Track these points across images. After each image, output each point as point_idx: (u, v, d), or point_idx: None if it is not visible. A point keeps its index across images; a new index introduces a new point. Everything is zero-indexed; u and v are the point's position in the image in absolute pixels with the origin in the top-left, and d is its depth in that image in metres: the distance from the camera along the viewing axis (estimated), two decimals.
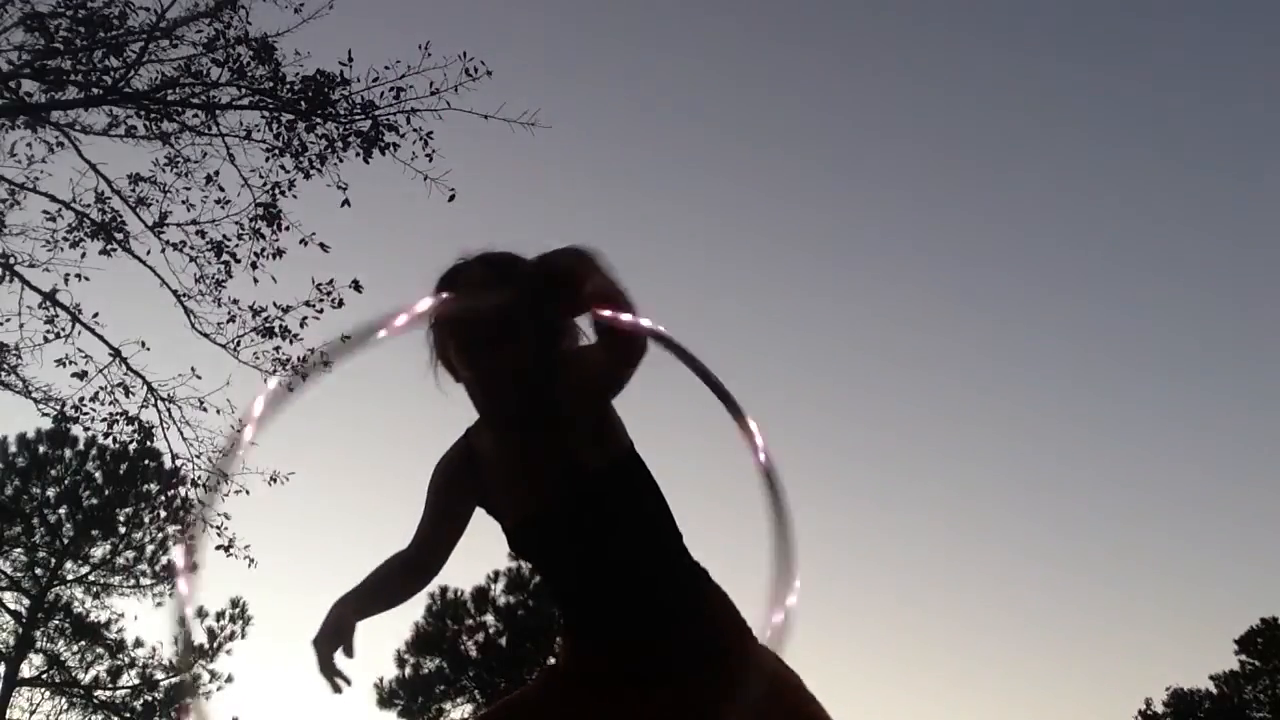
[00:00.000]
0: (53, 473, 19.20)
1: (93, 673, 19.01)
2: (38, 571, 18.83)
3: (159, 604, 19.41)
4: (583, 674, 1.70)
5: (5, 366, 9.35)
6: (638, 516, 1.69)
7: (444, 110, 8.54)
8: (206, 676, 19.22)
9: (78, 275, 8.90)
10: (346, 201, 8.73)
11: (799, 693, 1.61)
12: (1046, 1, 44.25)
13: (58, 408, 9.47)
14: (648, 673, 1.64)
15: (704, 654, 1.63)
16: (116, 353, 9.23)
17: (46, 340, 9.00)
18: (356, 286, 9.02)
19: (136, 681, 19.01)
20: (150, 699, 18.97)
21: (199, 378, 9.31)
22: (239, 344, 9.24)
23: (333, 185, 8.82)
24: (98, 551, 19.37)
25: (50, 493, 19.09)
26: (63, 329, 9.01)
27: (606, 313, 1.50)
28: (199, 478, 9.58)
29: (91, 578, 19.24)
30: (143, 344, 9.25)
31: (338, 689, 1.68)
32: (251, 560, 9.79)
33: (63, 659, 18.72)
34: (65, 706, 18.80)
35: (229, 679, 19.37)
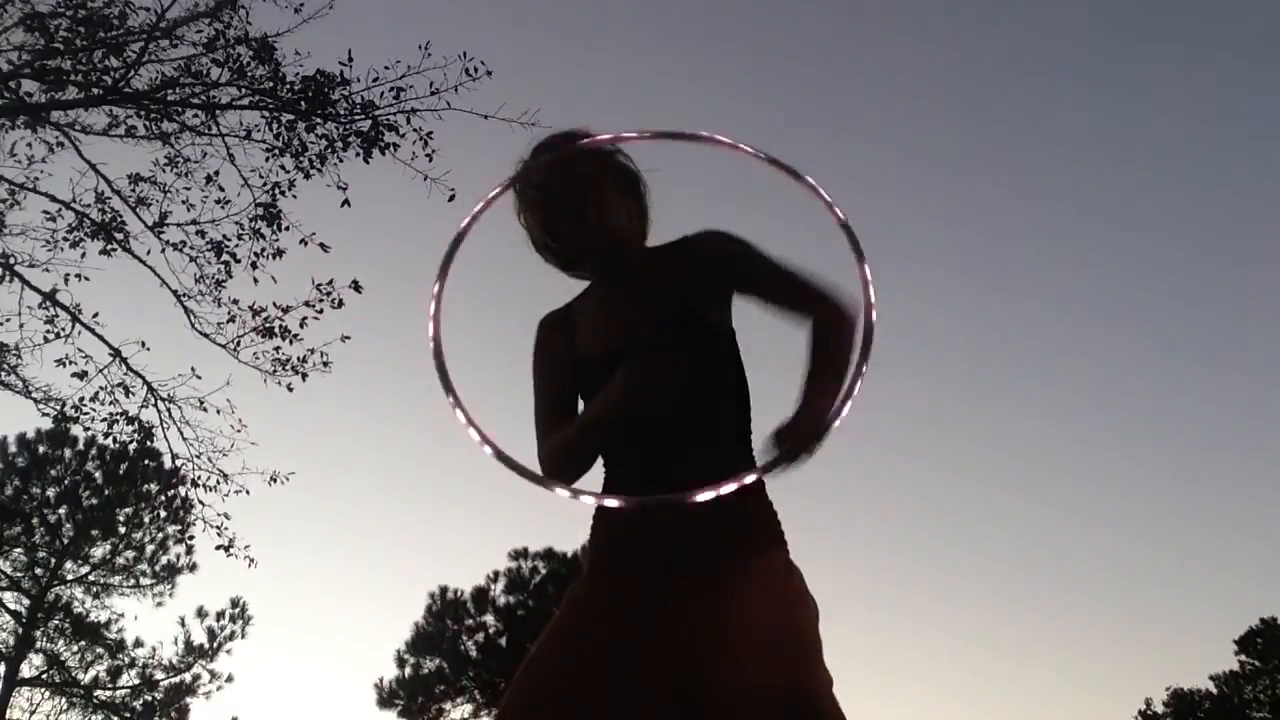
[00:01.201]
0: (53, 473, 19.18)
1: (93, 673, 18.99)
2: (38, 571, 18.80)
3: (159, 604, 19.43)
4: (607, 563, 1.69)
5: (5, 366, 9.36)
6: (727, 382, 1.75)
7: (444, 110, 8.53)
8: (206, 676, 19.25)
9: (78, 275, 8.90)
10: (346, 201, 8.72)
11: (807, 617, 1.60)
12: None
13: (58, 408, 9.47)
14: (677, 549, 1.62)
15: (738, 548, 1.63)
16: (116, 353, 9.23)
17: (46, 340, 9.01)
18: (356, 287, 9.02)
19: (136, 681, 18.98)
20: (150, 699, 18.95)
21: (199, 378, 9.32)
22: (239, 344, 9.25)
23: (333, 185, 8.82)
24: (98, 551, 19.35)
25: (50, 493, 19.06)
26: (63, 329, 9.01)
27: None
28: (199, 478, 9.59)
29: (91, 578, 19.21)
30: (143, 344, 9.26)
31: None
32: (251, 560, 9.80)
33: (63, 659, 18.70)
34: (65, 706, 18.77)
35: (229, 679, 19.38)
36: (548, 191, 1.84)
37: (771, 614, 1.55)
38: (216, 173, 9.08)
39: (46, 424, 15.53)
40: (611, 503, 1.63)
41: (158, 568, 19.44)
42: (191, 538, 18.48)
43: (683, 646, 1.55)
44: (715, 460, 1.67)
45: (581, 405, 1.80)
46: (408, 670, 21.38)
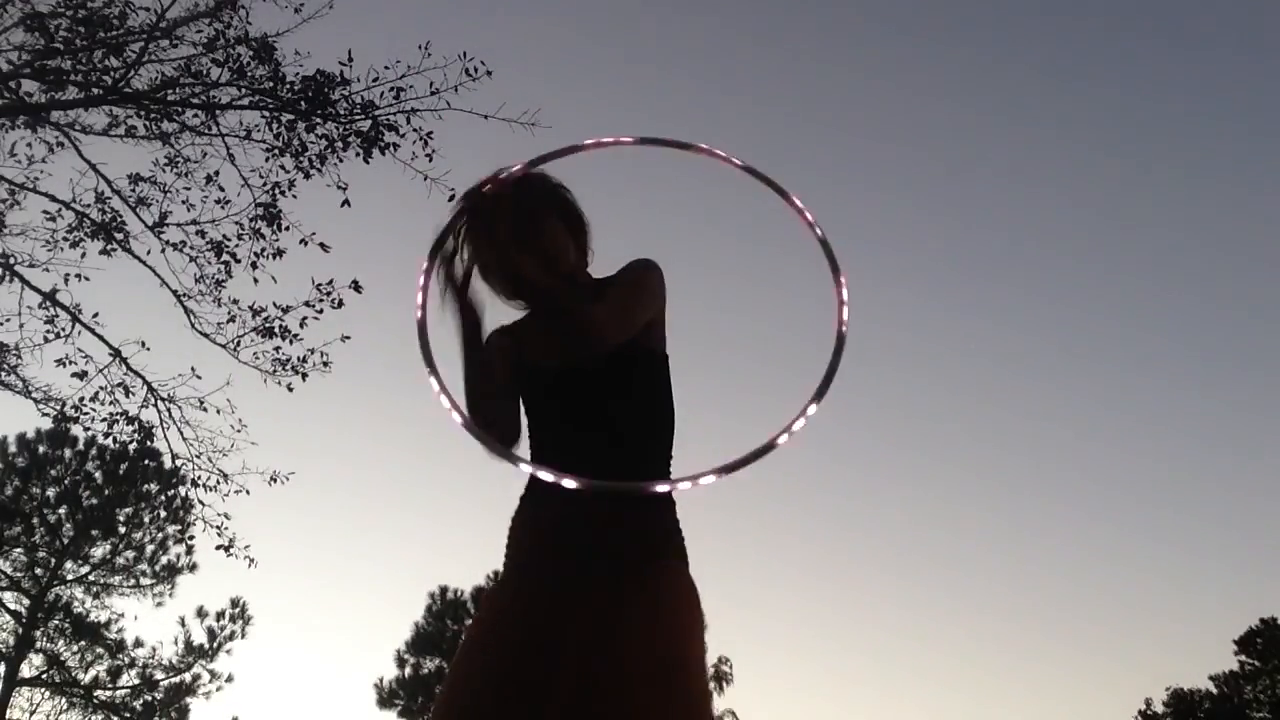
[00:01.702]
0: (53, 473, 19.17)
1: (93, 673, 18.98)
2: (38, 571, 18.80)
3: (159, 604, 19.43)
4: (524, 568, 1.84)
5: (5, 366, 9.36)
6: (636, 403, 1.90)
7: (444, 110, 8.52)
8: (206, 676, 19.24)
9: (78, 275, 8.90)
10: (346, 201, 8.71)
11: (683, 631, 1.74)
12: None
13: (58, 408, 9.47)
14: (589, 556, 1.77)
15: (644, 560, 1.78)
16: (116, 353, 9.23)
17: (46, 340, 9.01)
18: (356, 287, 9.01)
19: (136, 681, 18.98)
20: (150, 699, 18.95)
21: (199, 378, 9.32)
22: (239, 344, 9.24)
23: (333, 185, 8.81)
24: (98, 551, 19.34)
25: (50, 493, 19.06)
26: (63, 329, 9.01)
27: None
28: (199, 478, 9.59)
29: (91, 578, 19.21)
30: (143, 344, 9.26)
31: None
32: (251, 560, 9.80)
33: (63, 659, 18.69)
34: (65, 706, 18.77)
35: (229, 679, 19.38)
36: (501, 221, 1.93)
37: (667, 631, 1.70)
38: (216, 173, 9.09)
39: (46, 424, 15.53)
40: (569, 483, 1.76)
41: (158, 568, 19.44)
42: (191, 538, 18.45)
43: (586, 656, 1.67)
44: (624, 474, 1.82)
45: (524, 412, 1.98)
46: (408, 670, 21.39)
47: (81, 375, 9.17)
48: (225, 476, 9.56)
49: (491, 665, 1.70)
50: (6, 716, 17.69)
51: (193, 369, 9.29)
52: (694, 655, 1.72)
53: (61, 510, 19.03)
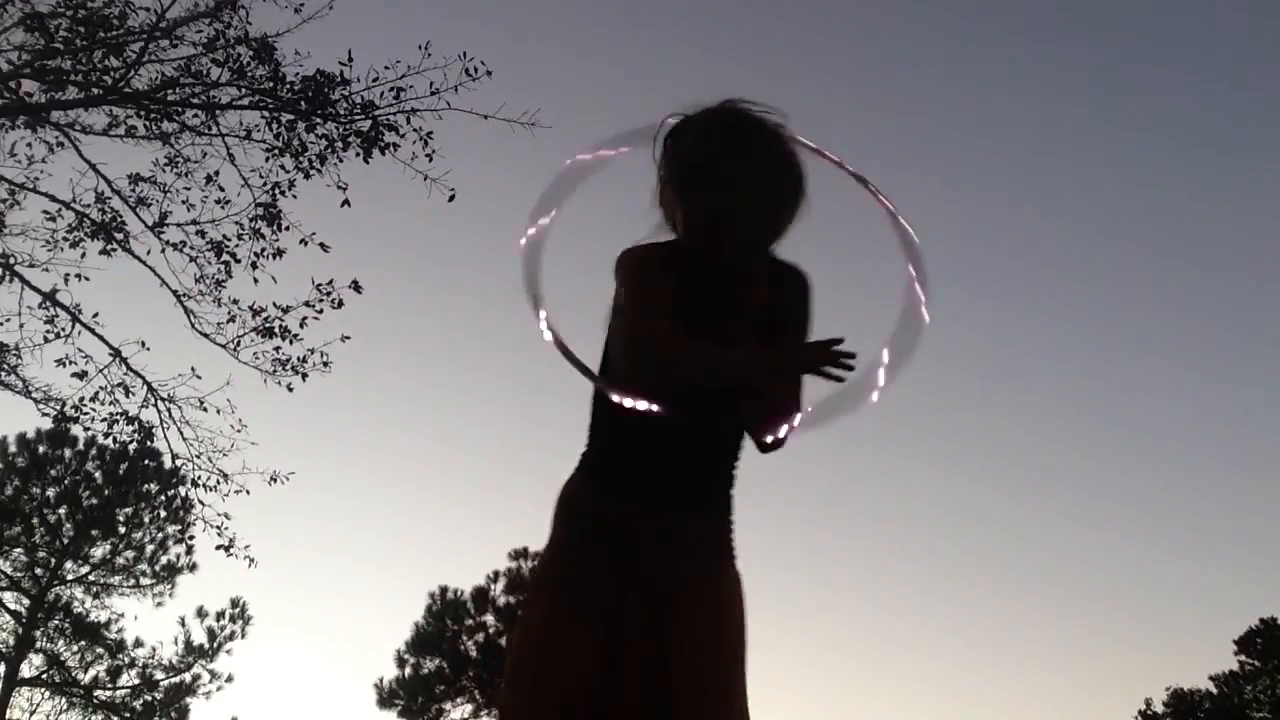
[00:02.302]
0: (53, 473, 19.18)
1: (93, 673, 19.01)
2: (38, 571, 18.81)
3: (159, 604, 19.45)
4: (580, 557, 1.78)
5: (5, 366, 9.37)
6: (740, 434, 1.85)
7: (444, 110, 8.54)
8: (206, 676, 19.27)
9: (78, 275, 8.93)
10: (346, 201, 8.73)
11: (741, 632, 1.79)
12: None
13: (58, 408, 9.49)
14: (651, 548, 1.76)
15: (704, 555, 1.79)
16: (116, 353, 9.24)
17: (46, 340, 9.03)
18: (356, 287, 9.03)
19: (136, 681, 19.00)
20: (150, 699, 18.97)
21: (199, 378, 9.34)
22: (239, 344, 9.26)
23: (333, 185, 8.83)
24: (98, 551, 19.36)
25: (50, 493, 19.07)
26: (63, 329, 9.03)
27: None
28: (199, 478, 9.61)
29: (91, 578, 19.23)
30: (143, 344, 9.28)
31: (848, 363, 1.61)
32: (251, 560, 9.82)
33: (63, 659, 18.71)
34: (65, 706, 18.80)
35: (229, 679, 19.40)
36: (770, 174, 1.79)
37: (726, 627, 1.76)
38: (216, 173, 9.11)
39: (46, 424, 15.52)
40: (652, 407, 1.66)
41: (158, 568, 19.46)
42: (191, 538, 18.48)
43: (656, 651, 1.69)
44: (717, 479, 1.84)
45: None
46: (408, 670, 21.37)
47: (81, 375, 9.20)
48: (225, 476, 9.59)
49: (564, 664, 1.70)
50: (6, 716, 17.71)
51: (193, 369, 9.32)
52: (744, 656, 1.78)
53: (61, 510, 19.05)
